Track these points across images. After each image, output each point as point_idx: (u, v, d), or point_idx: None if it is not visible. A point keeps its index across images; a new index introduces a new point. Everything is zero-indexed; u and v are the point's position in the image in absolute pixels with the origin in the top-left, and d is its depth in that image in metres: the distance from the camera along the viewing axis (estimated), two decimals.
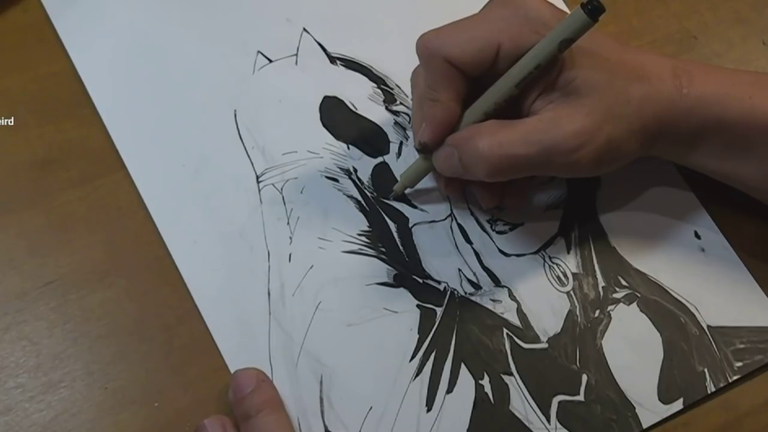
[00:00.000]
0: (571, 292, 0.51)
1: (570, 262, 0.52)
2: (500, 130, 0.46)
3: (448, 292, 0.50)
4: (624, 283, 0.52)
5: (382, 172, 0.53)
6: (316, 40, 0.56)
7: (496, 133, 0.45)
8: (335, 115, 0.54)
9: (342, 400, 0.47)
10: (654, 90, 0.46)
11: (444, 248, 0.51)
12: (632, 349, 0.50)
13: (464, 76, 0.46)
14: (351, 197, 0.52)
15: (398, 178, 0.52)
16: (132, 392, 0.47)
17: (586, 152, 0.45)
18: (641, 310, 0.51)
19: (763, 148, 0.47)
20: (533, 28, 0.45)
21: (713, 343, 0.51)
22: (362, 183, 0.52)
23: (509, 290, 0.51)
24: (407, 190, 0.52)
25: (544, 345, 0.50)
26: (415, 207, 0.52)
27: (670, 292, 0.52)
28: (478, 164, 0.46)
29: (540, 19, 0.45)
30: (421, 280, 0.50)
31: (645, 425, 0.48)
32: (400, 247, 0.51)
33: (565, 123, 0.45)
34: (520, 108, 0.47)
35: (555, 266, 0.52)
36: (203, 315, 0.48)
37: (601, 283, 0.52)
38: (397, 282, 0.50)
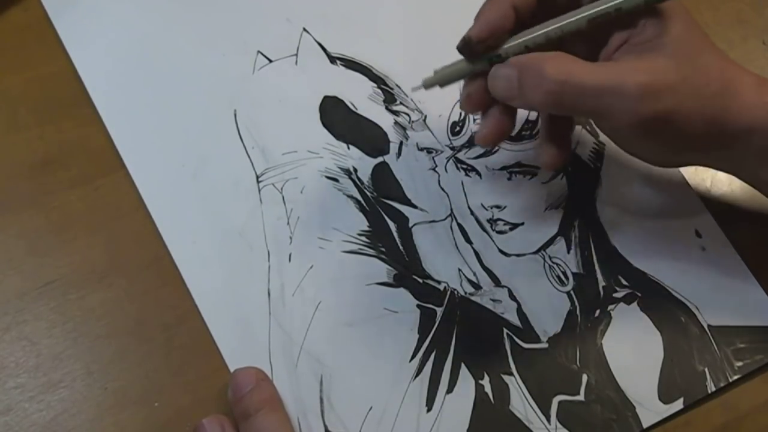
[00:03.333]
0: (571, 292, 0.51)
1: (570, 262, 0.52)
2: (570, 60, 0.44)
3: (448, 292, 0.50)
4: (624, 282, 0.52)
5: (382, 172, 0.53)
6: (316, 40, 0.56)
7: (566, 62, 0.44)
8: (335, 115, 0.54)
9: (342, 400, 0.47)
10: (729, 90, 0.45)
11: (444, 248, 0.51)
12: (632, 349, 0.50)
13: None
14: (351, 197, 0.52)
15: (398, 179, 0.52)
16: (132, 392, 0.47)
17: (648, 108, 0.43)
18: (641, 310, 0.51)
19: None
20: None
21: (713, 342, 0.51)
22: (362, 183, 0.52)
23: (509, 290, 0.51)
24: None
25: (544, 345, 0.50)
26: (415, 207, 0.52)
27: (671, 291, 0.52)
28: (538, 87, 0.44)
29: None
30: (421, 280, 0.50)
31: (645, 425, 0.48)
32: (400, 247, 0.51)
33: (639, 71, 0.43)
34: (602, 52, 0.46)
35: (555, 266, 0.52)
36: (203, 315, 0.48)
37: (601, 282, 0.52)
38: (397, 282, 0.50)
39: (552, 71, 0.44)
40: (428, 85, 0.48)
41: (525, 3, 0.45)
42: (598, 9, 0.44)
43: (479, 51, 0.46)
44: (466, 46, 0.46)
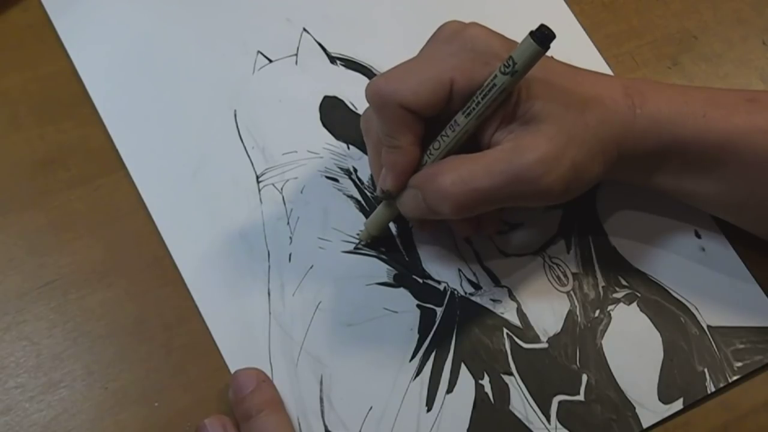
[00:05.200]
0: (571, 292, 0.51)
1: (570, 262, 0.52)
2: (461, 164, 0.44)
3: (448, 292, 0.50)
4: (624, 283, 0.52)
5: None
6: (316, 40, 0.56)
7: (458, 168, 0.44)
8: (335, 115, 0.54)
9: (342, 400, 0.47)
10: (608, 113, 0.45)
11: (444, 248, 0.51)
12: (632, 349, 0.50)
13: (420, 119, 0.45)
14: (351, 197, 0.52)
15: None
16: (132, 392, 0.47)
17: (553, 178, 0.43)
18: (641, 310, 0.51)
19: (718, 166, 0.47)
20: (484, 60, 0.44)
21: (713, 343, 0.51)
22: (362, 183, 0.52)
23: (509, 290, 0.51)
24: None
25: (544, 345, 0.50)
26: None
27: (670, 292, 0.52)
28: (442, 202, 0.44)
29: (489, 50, 0.44)
30: (421, 280, 0.50)
31: (645, 425, 0.48)
32: (400, 247, 0.51)
33: (527, 151, 0.43)
34: (479, 142, 0.45)
35: (555, 266, 0.52)
36: (203, 315, 0.48)
37: (601, 283, 0.52)
38: (397, 282, 0.50)
39: (448, 183, 0.44)
40: (365, 238, 0.50)
41: (419, 132, 0.45)
42: (481, 106, 0.43)
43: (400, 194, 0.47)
44: (388, 195, 0.47)
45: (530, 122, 0.44)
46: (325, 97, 0.54)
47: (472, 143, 0.45)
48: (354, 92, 0.54)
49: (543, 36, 0.41)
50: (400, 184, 0.46)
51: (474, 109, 0.44)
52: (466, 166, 0.44)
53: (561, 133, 0.44)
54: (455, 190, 0.44)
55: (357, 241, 0.51)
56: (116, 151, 0.51)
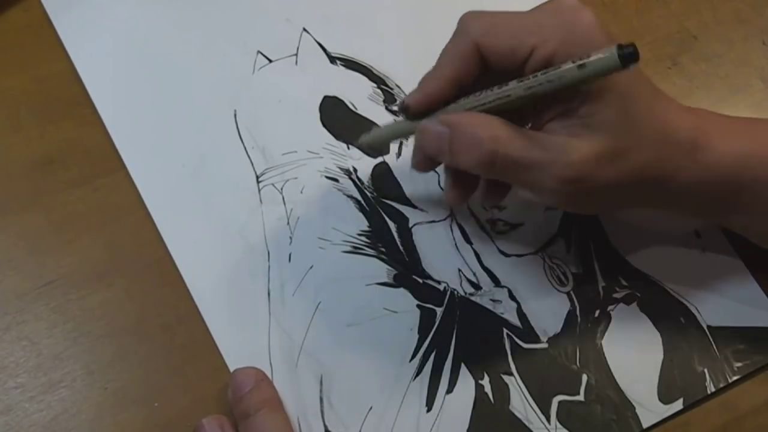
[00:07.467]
0: (571, 292, 0.51)
1: (570, 262, 0.52)
2: (506, 129, 0.44)
3: (448, 292, 0.50)
4: (624, 283, 0.52)
5: (382, 172, 0.53)
6: (316, 40, 0.56)
7: (500, 130, 0.44)
8: (335, 115, 0.54)
9: (342, 400, 0.47)
10: (665, 156, 0.44)
11: (444, 248, 0.51)
12: (632, 349, 0.50)
13: (482, 65, 0.44)
14: (351, 197, 0.52)
15: (398, 179, 0.52)
16: (132, 392, 0.47)
17: (578, 189, 0.43)
18: (641, 310, 0.51)
19: None
20: (575, 43, 0.43)
21: (713, 343, 0.51)
22: (362, 183, 0.52)
23: (509, 290, 0.51)
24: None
25: (544, 345, 0.50)
26: (415, 207, 0.52)
27: (670, 292, 0.52)
28: (469, 151, 0.44)
29: (587, 39, 0.43)
30: (421, 280, 0.50)
31: (645, 425, 0.48)
32: (400, 247, 0.51)
33: (571, 151, 0.43)
34: (535, 120, 0.45)
35: (555, 266, 0.52)
36: (203, 315, 0.48)
37: (601, 283, 0.52)
38: (397, 282, 0.50)
39: (485, 136, 0.43)
40: (363, 143, 0.50)
41: (468, 75, 0.45)
42: (538, 87, 0.42)
43: (417, 116, 0.46)
44: (405, 110, 0.46)
45: (590, 127, 0.43)
46: (325, 97, 0.54)
47: (523, 121, 0.45)
48: (354, 92, 0.54)
49: (626, 54, 0.40)
50: (421, 105, 0.45)
51: (529, 81, 0.43)
52: (508, 133, 0.43)
53: (610, 151, 0.43)
54: (487, 146, 0.43)
55: (357, 239, 0.51)
56: (116, 151, 0.51)
